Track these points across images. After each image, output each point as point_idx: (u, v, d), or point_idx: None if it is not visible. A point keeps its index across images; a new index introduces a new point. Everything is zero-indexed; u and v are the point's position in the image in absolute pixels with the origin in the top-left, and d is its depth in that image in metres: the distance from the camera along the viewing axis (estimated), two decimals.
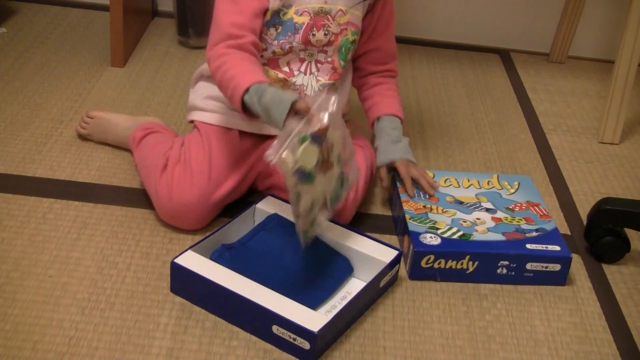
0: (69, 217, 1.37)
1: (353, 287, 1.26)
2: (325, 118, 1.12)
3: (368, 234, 1.32)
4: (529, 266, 1.32)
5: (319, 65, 1.40)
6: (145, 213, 1.40)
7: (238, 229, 1.32)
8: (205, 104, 1.43)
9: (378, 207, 1.50)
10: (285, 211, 1.33)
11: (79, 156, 1.55)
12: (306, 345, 1.10)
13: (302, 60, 1.39)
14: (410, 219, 1.36)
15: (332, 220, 1.32)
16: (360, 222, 1.42)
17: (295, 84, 1.40)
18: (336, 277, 1.26)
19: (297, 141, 1.11)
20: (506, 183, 1.50)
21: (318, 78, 1.41)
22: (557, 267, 1.33)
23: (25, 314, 1.15)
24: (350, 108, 1.63)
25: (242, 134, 1.41)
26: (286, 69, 1.39)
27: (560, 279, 1.34)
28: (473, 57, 2.23)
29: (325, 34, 1.37)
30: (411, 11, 2.27)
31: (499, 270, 1.32)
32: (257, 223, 1.35)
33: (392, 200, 1.49)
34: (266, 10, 1.34)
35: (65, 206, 1.39)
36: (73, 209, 1.39)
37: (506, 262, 1.31)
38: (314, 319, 1.11)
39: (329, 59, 1.40)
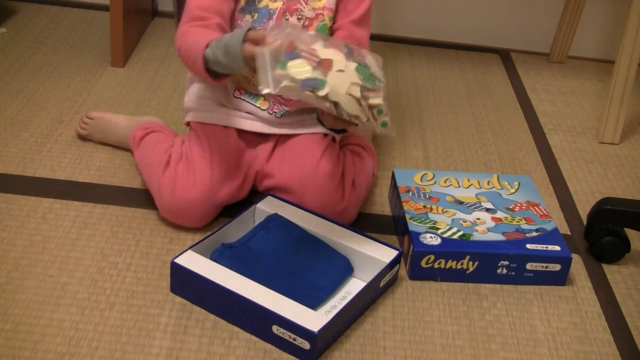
0: (69, 217, 1.37)
1: (353, 287, 1.26)
2: (279, 35, 1.12)
3: (368, 234, 1.32)
4: (529, 266, 1.32)
5: None
6: (145, 213, 1.40)
7: (238, 229, 1.32)
8: (200, 104, 1.44)
9: (378, 207, 1.50)
10: (285, 211, 1.34)
11: (79, 156, 1.55)
12: (306, 345, 1.10)
13: None
14: (410, 219, 1.36)
15: (333, 221, 1.33)
16: (360, 222, 1.42)
17: None
18: (336, 277, 1.26)
19: (280, 67, 1.10)
20: (506, 183, 1.50)
21: None
22: (557, 267, 1.33)
23: (25, 314, 1.15)
24: None
25: (239, 132, 1.42)
26: None
27: (560, 279, 1.34)
28: (473, 57, 2.23)
29: (298, 19, 1.36)
30: (411, 11, 2.27)
31: (499, 270, 1.32)
32: (257, 223, 1.35)
33: (392, 200, 1.49)
34: None
35: (65, 206, 1.39)
36: (73, 209, 1.39)
37: (506, 262, 1.31)
38: (314, 319, 1.11)
39: None
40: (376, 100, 1.14)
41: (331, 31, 1.42)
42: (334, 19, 1.41)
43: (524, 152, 1.77)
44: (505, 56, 2.26)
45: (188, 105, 1.47)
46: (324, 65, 1.12)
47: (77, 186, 1.46)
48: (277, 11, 1.36)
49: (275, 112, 1.42)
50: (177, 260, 1.20)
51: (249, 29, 1.16)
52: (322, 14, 1.38)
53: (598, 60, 2.29)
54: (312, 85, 1.11)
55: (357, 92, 1.13)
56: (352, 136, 1.55)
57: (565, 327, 1.26)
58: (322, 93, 1.11)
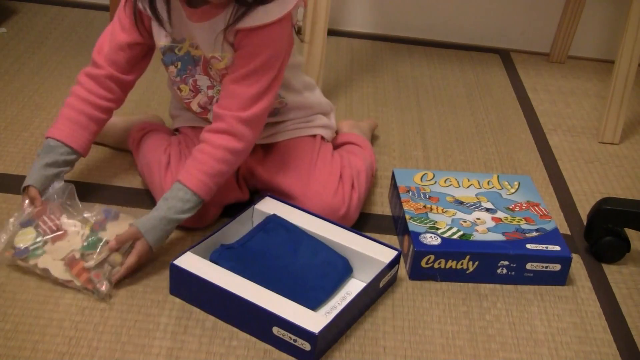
0: None
1: (353, 287, 1.26)
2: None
3: (368, 234, 1.32)
4: (529, 266, 1.32)
5: None
6: (146, 213, 1.39)
7: (237, 229, 1.32)
8: (186, 110, 1.44)
9: (378, 207, 1.50)
10: (284, 212, 1.34)
11: None
12: (307, 346, 1.10)
13: (211, 98, 1.38)
14: (410, 219, 1.36)
15: (332, 221, 1.33)
16: (360, 222, 1.42)
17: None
18: (335, 277, 1.26)
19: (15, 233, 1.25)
20: (506, 183, 1.50)
21: None
22: (557, 267, 1.33)
23: (25, 314, 1.15)
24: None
25: None
26: (199, 109, 1.40)
27: (560, 279, 1.34)
28: (473, 57, 2.23)
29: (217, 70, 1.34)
30: (411, 11, 2.27)
31: (499, 270, 1.32)
32: (255, 224, 1.35)
33: (392, 200, 1.49)
34: (138, 45, 1.34)
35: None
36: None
37: (506, 262, 1.31)
38: (315, 320, 1.11)
39: None
40: (89, 263, 1.20)
41: None
42: None
43: (524, 152, 1.77)
44: (505, 56, 2.26)
45: (176, 113, 1.48)
46: (55, 236, 1.24)
47: (77, 186, 1.45)
48: (202, 59, 1.33)
49: None
50: (176, 262, 1.20)
51: (26, 186, 1.29)
52: (227, 73, 1.31)
53: (598, 60, 2.29)
54: (24, 254, 1.21)
55: (64, 261, 1.21)
56: (348, 135, 1.55)
57: (565, 327, 1.26)
58: (31, 262, 1.21)
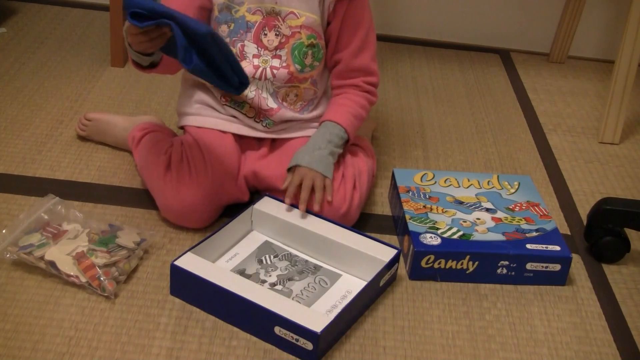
0: None
1: (353, 286, 1.26)
2: None
3: (367, 233, 1.32)
4: (529, 266, 1.32)
5: (274, 71, 1.38)
6: (145, 213, 1.40)
7: (236, 229, 1.32)
8: (195, 108, 1.44)
9: (378, 207, 1.50)
10: (283, 212, 1.33)
11: (79, 156, 1.55)
12: (309, 345, 1.10)
13: (256, 67, 1.38)
14: (410, 219, 1.36)
15: (332, 221, 1.33)
16: (360, 222, 1.42)
17: (248, 96, 1.40)
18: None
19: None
20: (506, 183, 1.50)
21: (274, 83, 1.40)
22: (557, 267, 1.33)
23: (25, 314, 1.15)
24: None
25: (235, 135, 1.42)
26: None
27: (560, 279, 1.34)
28: (473, 57, 2.23)
29: (276, 35, 1.36)
30: (411, 11, 2.27)
31: (499, 270, 1.32)
32: (254, 224, 1.35)
33: (392, 200, 1.49)
34: (210, 5, 1.35)
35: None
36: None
37: (506, 262, 1.31)
38: (316, 319, 1.11)
39: (284, 64, 1.38)
40: (101, 260, 1.21)
41: (332, 61, 1.43)
42: (331, 47, 1.41)
43: (524, 152, 1.77)
44: (505, 56, 2.26)
45: (183, 110, 1.47)
46: (57, 235, 1.25)
47: (77, 186, 1.46)
48: (256, 25, 1.36)
49: (262, 121, 1.42)
50: (176, 263, 1.20)
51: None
52: (299, 32, 1.36)
53: (598, 60, 2.29)
54: (29, 248, 1.22)
55: (73, 254, 1.22)
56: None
57: (565, 327, 1.26)
58: (38, 254, 1.21)
